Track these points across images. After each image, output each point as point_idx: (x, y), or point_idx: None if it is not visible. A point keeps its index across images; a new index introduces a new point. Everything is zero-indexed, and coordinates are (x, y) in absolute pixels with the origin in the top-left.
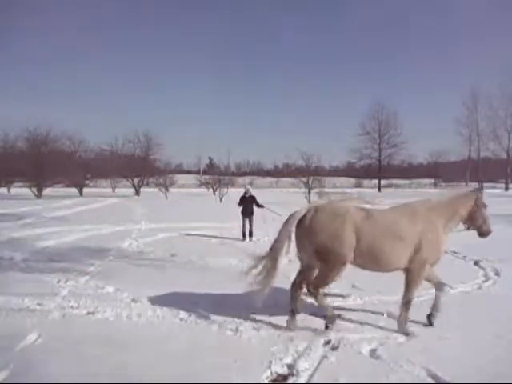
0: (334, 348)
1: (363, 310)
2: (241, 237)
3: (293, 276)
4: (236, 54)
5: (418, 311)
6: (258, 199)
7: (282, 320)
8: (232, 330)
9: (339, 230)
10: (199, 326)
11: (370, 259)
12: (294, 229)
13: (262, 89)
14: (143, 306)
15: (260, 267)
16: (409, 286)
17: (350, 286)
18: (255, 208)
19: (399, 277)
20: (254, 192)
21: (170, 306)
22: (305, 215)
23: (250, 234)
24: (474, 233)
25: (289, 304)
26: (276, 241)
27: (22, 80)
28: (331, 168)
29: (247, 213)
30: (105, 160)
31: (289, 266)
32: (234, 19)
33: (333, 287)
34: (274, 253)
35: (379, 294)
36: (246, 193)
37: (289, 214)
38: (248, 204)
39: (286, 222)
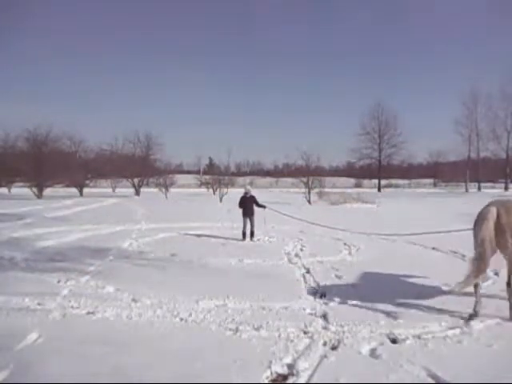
0: (333, 348)
1: (364, 310)
2: (241, 237)
3: (292, 275)
4: (236, 54)
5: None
6: (259, 199)
7: (282, 320)
8: (232, 329)
9: None
10: (199, 326)
11: None
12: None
13: (262, 89)
14: (143, 306)
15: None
16: None
17: (351, 286)
18: (255, 208)
19: (402, 278)
20: (253, 192)
21: (170, 306)
22: (498, 212)
23: (252, 234)
24: (470, 233)
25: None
26: (480, 243)
27: (22, 80)
28: (331, 168)
29: (248, 213)
30: (105, 160)
31: (292, 265)
32: (234, 18)
33: (335, 286)
34: (481, 254)
35: (380, 294)
36: (246, 193)
37: (290, 213)
38: (248, 204)
39: (483, 220)
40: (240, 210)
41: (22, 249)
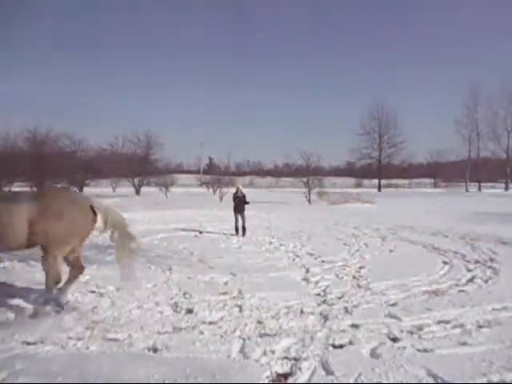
0: (334, 348)
1: (363, 309)
2: (234, 232)
3: (293, 275)
4: (236, 54)
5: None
6: (260, 199)
7: (282, 320)
8: (232, 329)
9: None
10: (199, 325)
11: None
12: None
13: (262, 88)
14: (144, 305)
15: None
16: None
17: (351, 285)
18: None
19: (402, 277)
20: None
21: (170, 305)
22: None
23: (243, 230)
24: (477, 236)
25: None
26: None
27: (22, 79)
28: (331, 168)
29: (239, 210)
30: (105, 160)
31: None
32: (234, 18)
33: (335, 285)
34: None
35: (380, 294)
36: (237, 192)
37: (291, 213)
38: (239, 202)
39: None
40: (232, 207)
41: None
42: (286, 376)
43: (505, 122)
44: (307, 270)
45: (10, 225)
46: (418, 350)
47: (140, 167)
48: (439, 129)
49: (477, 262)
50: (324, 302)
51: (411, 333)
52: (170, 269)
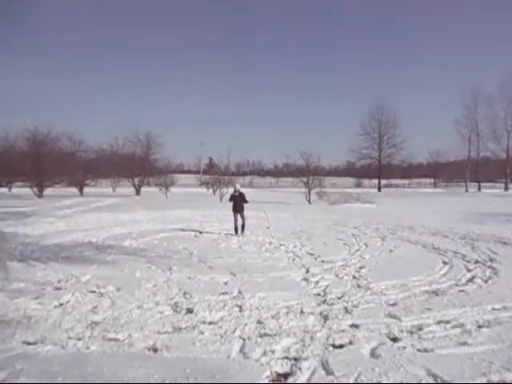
0: (334, 348)
1: (363, 309)
2: (234, 232)
3: (293, 275)
4: (236, 54)
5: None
6: (259, 199)
7: (282, 320)
8: (232, 329)
9: None
10: (199, 325)
11: None
12: None
13: (263, 88)
14: (144, 305)
15: None
16: None
17: (351, 285)
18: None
19: (402, 277)
20: (242, 189)
21: (170, 305)
22: None
23: (243, 229)
24: (477, 236)
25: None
26: None
27: (22, 79)
28: (331, 168)
29: (238, 209)
30: (105, 160)
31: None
32: (235, 18)
33: (335, 285)
34: None
35: (380, 294)
36: (235, 191)
37: (291, 212)
38: (238, 201)
39: None
40: (230, 207)
41: (23, 248)
42: (286, 376)
43: (505, 122)
44: (307, 270)
45: None
46: (418, 350)
47: (140, 167)
48: (439, 129)
49: (477, 262)
50: (324, 301)
51: (411, 333)
52: (170, 269)
